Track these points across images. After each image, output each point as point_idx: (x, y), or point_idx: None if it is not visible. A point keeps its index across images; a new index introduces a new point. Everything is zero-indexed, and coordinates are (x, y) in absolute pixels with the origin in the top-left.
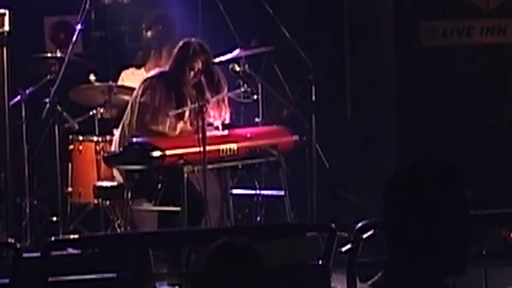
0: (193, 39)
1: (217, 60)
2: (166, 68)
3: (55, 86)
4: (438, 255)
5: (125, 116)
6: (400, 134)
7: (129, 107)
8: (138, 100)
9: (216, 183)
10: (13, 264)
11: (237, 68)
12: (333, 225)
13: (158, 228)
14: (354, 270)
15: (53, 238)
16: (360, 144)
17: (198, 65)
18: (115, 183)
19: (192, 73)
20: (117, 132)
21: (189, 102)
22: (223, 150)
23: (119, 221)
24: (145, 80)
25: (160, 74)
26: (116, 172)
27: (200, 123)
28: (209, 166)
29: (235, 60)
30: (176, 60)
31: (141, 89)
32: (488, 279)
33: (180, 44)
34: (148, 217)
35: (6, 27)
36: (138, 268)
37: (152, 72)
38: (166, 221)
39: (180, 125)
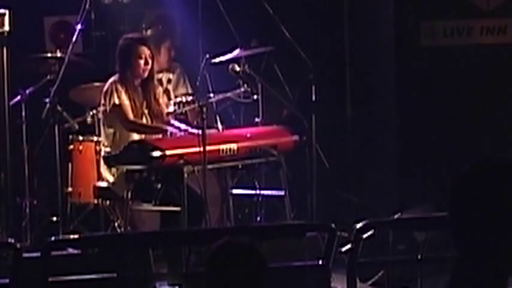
0: (130, 34)
1: (217, 60)
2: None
3: (55, 86)
4: (506, 255)
5: (102, 129)
6: (400, 134)
7: (102, 120)
8: (111, 106)
9: (216, 183)
10: (13, 264)
11: (237, 68)
12: (333, 225)
13: (161, 228)
14: (354, 270)
15: (53, 238)
16: (360, 144)
17: (145, 52)
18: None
19: (141, 61)
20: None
21: (141, 99)
22: (223, 150)
23: (119, 221)
24: (106, 89)
25: (115, 79)
26: (105, 174)
27: (200, 123)
28: (209, 166)
29: (235, 60)
30: (121, 55)
31: (107, 95)
32: None
33: (120, 40)
34: (149, 217)
35: (6, 27)
36: (138, 268)
37: (109, 80)
38: (169, 221)
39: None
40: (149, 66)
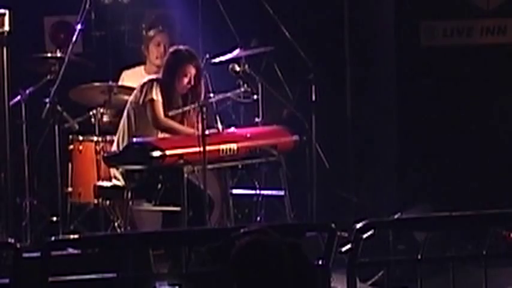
0: (182, 47)
1: (217, 60)
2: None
3: (55, 86)
4: None
5: (124, 119)
6: (400, 134)
7: (130, 109)
8: (147, 99)
9: (216, 183)
10: (13, 264)
11: (237, 68)
12: (333, 225)
13: (163, 228)
14: (354, 270)
15: (53, 238)
16: (360, 144)
17: (191, 70)
18: (117, 183)
19: (185, 79)
20: (116, 137)
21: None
22: (223, 150)
23: (119, 221)
24: (145, 83)
25: (157, 79)
26: (113, 174)
27: (200, 123)
28: (209, 166)
29: (235, 60)
30: (167, 67)
31: (145, 88)
32: (488, 279)
33: (170, 50)
34: (149, 217)
35: (6, 27)
36: (138, 268)
37: (151, 76)
38: (171, 221)
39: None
40: (190, 86)
